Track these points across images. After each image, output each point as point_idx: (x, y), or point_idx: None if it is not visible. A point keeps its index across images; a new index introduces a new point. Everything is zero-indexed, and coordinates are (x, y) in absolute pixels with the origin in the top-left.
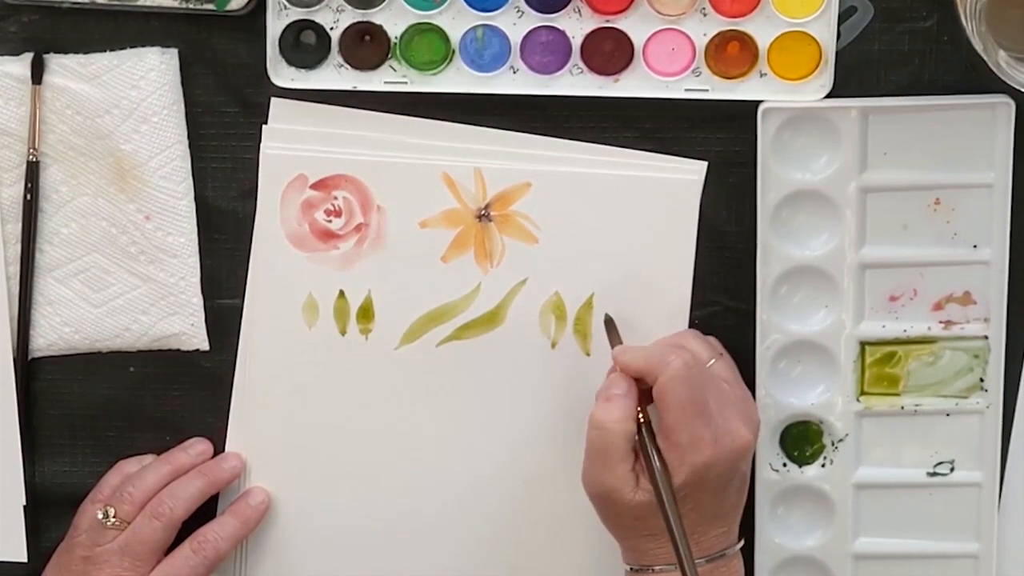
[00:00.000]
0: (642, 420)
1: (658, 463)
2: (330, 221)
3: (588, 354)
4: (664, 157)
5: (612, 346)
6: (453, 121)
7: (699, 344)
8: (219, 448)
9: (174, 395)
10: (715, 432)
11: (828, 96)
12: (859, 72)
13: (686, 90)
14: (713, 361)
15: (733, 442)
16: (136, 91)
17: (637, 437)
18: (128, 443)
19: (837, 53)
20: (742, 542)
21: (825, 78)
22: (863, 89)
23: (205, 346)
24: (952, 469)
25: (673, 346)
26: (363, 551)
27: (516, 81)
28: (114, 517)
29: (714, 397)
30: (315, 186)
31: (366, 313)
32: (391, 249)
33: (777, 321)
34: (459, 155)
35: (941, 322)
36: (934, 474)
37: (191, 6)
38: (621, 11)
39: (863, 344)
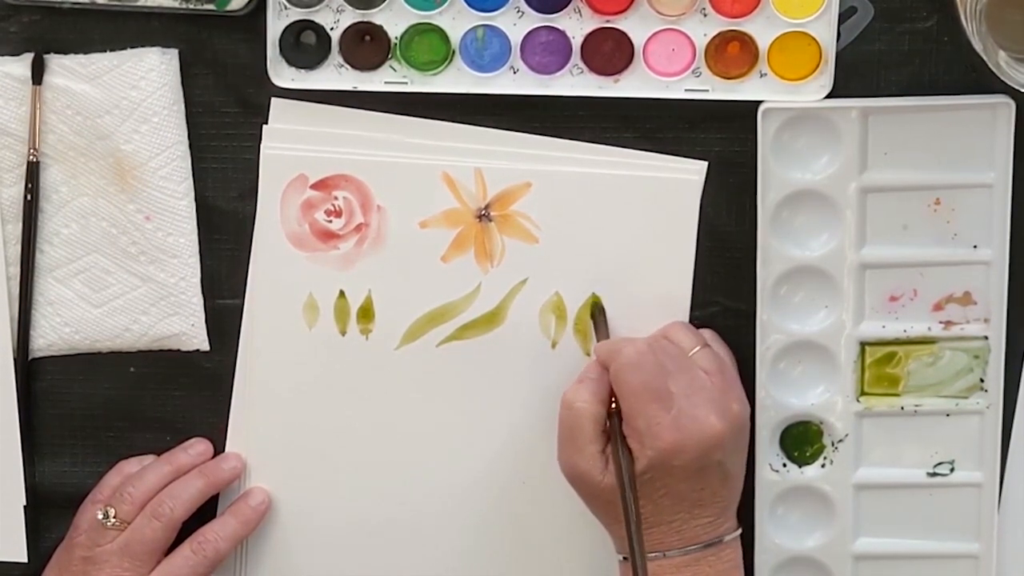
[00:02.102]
0: (614, 407)
1: (622, 449)
2: (330, 221)
3: (588, 354)
4: (664, 157)
5: (598, 339)
6: (453, 121)
7: (683, 334)
8: (219, 448)
9: (174, 395)
10: (676, 418)
11: (828, 96)
12: (859, 72)
13: (686, 90)
14: (697, 349)
15: (701, 431)
16: (136, 91)
17: (608, 424)
18: (128, 443)
19: (837, 53)
20: (739, 531)
21: (825, 78)
22: (863, 89)
23: (205, 346)
24: (952, 469)
25: (642, 337)
26: (363, 551)
27: (516, 81)
28: (114, 517)
29: (681, 384)
30: (315, 186)
31: (366, 313)
32: (391, 249)
33: (777, 321)
34: (459, 155)
35: (941, 322)
36: (934, 474)
37: (191, 6)
38: (621, 11)
39: (863, 344)
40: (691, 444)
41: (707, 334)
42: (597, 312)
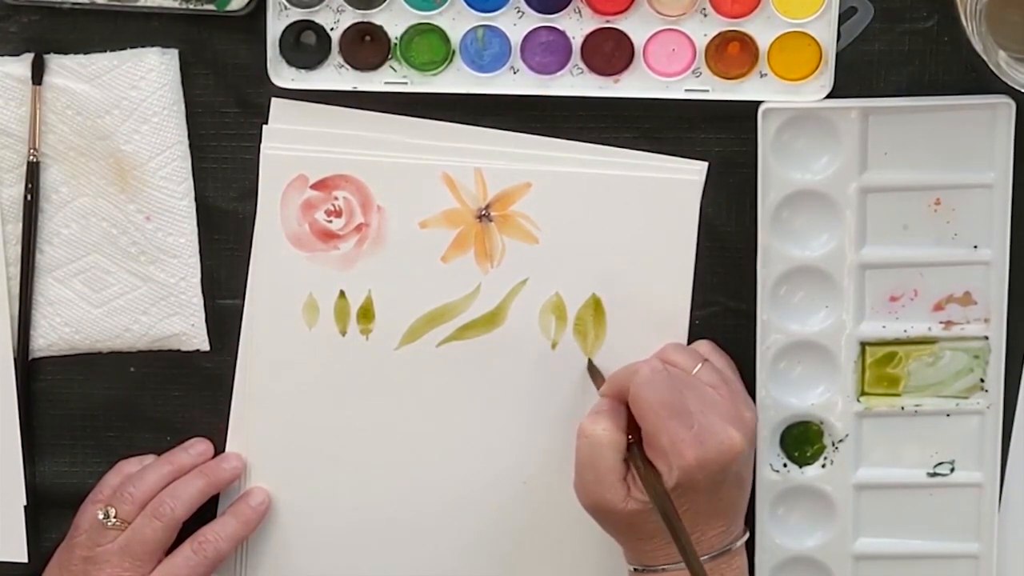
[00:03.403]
0: (631, 439)
1: (650, 470)
2: (330, 221)
3: (589, 355)
4: (664, 157)
5: (597, 387)
6: (453, 121)
7: (680, 355)
8: (219, 448)
9: (174, 395)
10: (698, 433)
11: (828, 96)
12: (859, 72)
13: (686, 90)
14: (698, 367)
15: (720, 444)
16: (136, 91)
17: (627, 453)
18: (128, 443)
19: (837, 53)
20: (746, 536)
21: (825, 78)
22: (863, 89)
23: (205, 346)
24: (952, 469)
25: (646, 360)
26: (363, 551)
27: (516, 81)
28: (115, 517)
29: (695, 400)
30: (315, 186)
31: (366, 313)
32: (391, 249)
33: (777, 321)
34: (459, 155)
35: (941, 322)
36: (934, 474)
37: (191, 6)
38: (621, 11)
39: (863, 344)
40: (713, 458)
41: (704, 347)
42: (592, 367)
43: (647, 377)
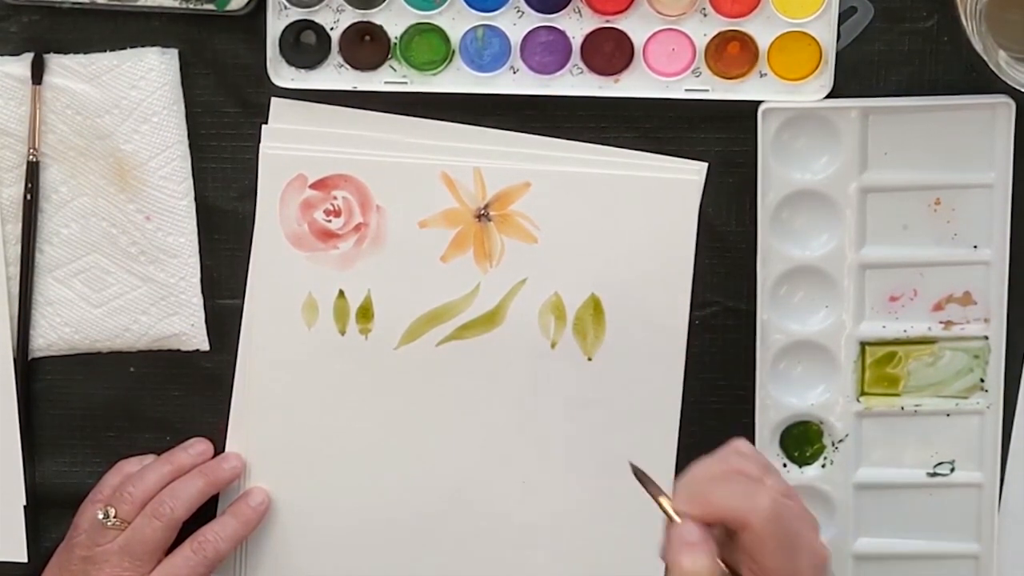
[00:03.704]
0: (727, 567)
1: None
2: (329, 221)
3: (589, 357)
4: (664, 158)
5: (654, 496)
6: (453, 121)
7: (749, 464)
8: (219, 448)
9: (174, 395)
10: (810, 560)
11: (828, 96)
12: (859, 72)
13: (686, 90)
14: (770, 482)
15: (823, 562)
16: (136, 91)
17: None
18: (128, 443)
19: (837, 53)
20: None
21: (825, 78)
22: (863, 89)
23: (205, 346)
24: (952, 469)
25: (748, 479)
26: (363, 551)
27: (516, 81)
28: (114, 517)
29: (793, 523)
30: (314, 186)
31: (366, 313)
32: (390, 249)
33: (777, 321)
34: (458, 155)
35: (941, 322)
36: (934, 474)
37: (191, 6)
38: (621, 11)
39: (863, 344)
40: None
41: (746, 448)
42: (637, 471)
43: (772, 512)
